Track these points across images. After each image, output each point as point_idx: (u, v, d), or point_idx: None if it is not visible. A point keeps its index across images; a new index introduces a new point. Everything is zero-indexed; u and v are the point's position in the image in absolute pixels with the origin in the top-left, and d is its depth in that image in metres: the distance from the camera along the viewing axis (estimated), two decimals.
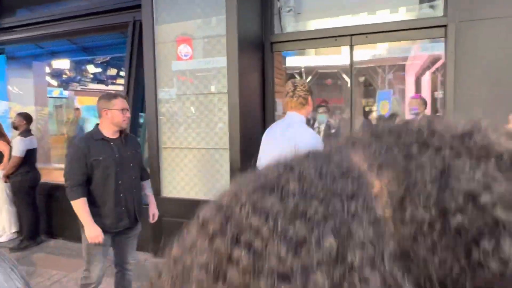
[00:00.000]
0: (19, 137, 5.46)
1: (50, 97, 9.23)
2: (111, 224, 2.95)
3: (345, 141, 0.39)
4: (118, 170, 2.93)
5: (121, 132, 3.03)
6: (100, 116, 2.98)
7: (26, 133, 5.55)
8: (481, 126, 0.35)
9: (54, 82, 9.40)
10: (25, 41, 7.17)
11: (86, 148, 2.84)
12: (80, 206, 2.81)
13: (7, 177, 5.39)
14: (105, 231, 2.91)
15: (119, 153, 2.96)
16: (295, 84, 2.84)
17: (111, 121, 2.94)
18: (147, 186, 3.32)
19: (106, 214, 2.91)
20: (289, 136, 2.67)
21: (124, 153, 3.00)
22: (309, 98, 2.84)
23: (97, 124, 3.01)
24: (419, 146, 0.34)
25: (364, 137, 0.37)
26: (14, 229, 5.78)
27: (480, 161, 0.32)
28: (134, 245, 3.21)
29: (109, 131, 2.95)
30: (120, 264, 3.19)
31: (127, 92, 5.55)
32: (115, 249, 3.15)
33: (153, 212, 3.27)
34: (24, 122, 5.55)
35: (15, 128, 5.62)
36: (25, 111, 6.38)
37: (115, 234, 3.04)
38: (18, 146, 5.35)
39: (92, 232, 2.82)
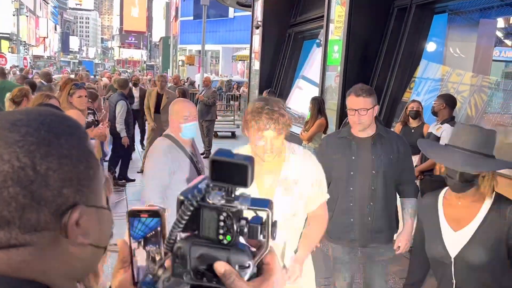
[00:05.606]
0: (446, 126, 3.98)
1: (495, 61, 6.71)
2: (338, 233, 2.58)
3: None
4: (351, 174, 2.50)
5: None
6: None
7: (451, 122, 4.01)
8: None
9: (507, 42, 6.11)
10: None
11: (325, 144, 2.69)
12: None
13: (422, 173, 4.10)
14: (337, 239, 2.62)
15: (357, 155, 2.51)
16: None
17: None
18: (407, 206, 2.59)
19: (332, 220, 2.44)
20: None
21: (366, 156, 2.49)
22: None
23: None
24: None
25: None
26: None
27: None
28: (381, 273, 2.67)
29: (355, 129, 2.52)
30: None
31: None
32: (364, 272, 2.80)
33: (401, 242, 2.55)
34: (444, 105, 4.10)
35: (435, 113, 4.12)
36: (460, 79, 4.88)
37: (362, 252, 2.63)
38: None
39: None
